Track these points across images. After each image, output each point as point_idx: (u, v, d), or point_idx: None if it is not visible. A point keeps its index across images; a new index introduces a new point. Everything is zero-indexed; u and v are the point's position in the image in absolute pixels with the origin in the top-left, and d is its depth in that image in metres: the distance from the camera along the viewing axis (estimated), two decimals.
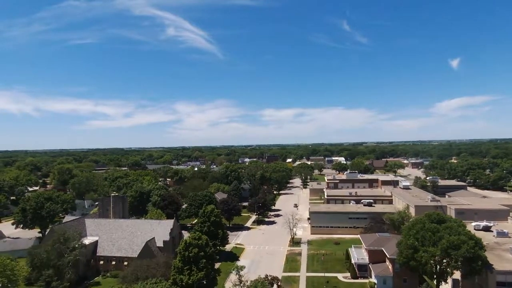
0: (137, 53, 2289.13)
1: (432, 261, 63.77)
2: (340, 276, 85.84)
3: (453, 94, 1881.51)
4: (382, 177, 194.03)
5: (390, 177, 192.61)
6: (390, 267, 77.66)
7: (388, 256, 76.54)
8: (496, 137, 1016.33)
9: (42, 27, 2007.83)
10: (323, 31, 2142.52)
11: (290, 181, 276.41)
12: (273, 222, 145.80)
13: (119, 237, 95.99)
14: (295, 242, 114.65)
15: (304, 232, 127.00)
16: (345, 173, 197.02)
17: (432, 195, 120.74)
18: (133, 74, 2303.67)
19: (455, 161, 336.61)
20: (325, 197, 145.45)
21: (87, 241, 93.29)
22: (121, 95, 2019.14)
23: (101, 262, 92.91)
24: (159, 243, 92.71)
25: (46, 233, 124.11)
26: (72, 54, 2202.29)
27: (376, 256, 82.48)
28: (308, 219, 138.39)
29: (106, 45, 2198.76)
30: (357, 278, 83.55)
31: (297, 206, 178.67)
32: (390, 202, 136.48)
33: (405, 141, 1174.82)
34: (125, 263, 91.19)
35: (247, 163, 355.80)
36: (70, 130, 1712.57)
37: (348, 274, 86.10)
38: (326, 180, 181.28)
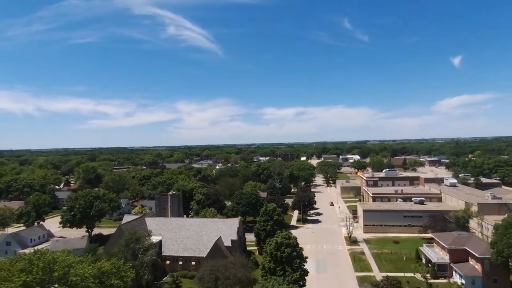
0: (138, 52, 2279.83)
1: None
2: (418, 276, 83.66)
3: (454, 92, 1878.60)
4: (422, 174, 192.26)
5: (432, 174, 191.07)
6: (478, 266, 75.68)
7: (477, 256, 74.45)
8: (499, 135, 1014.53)
9: (43, 27, 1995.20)
10: (324, 29, 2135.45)
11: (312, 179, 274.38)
12: (317, 221, 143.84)
13: (183, 236, 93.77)
14: (352, 241, 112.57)
15: (355, 230, 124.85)
16: (384, 171, 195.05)
17: (491, 192, 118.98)
18: (134, 73, 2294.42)
19: (473, 158, 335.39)
20: (370, 195, 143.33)
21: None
22: (122, 94, 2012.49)
23: (167, 262, 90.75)
24: (226, 243, 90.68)
25: (92, 232, 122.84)
26: (72, 53, 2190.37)
27: (458, 256, 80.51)
28: (354, 217, 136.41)
29: (106, 44, 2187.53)
30: (437, 278, 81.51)
31: (333, 204, 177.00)
32: (439, 200, 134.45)
33: (408, 139, 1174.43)
34: (193, 263, 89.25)
35: (262, 162, 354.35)
36: (71, 129, 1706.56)
37: (425, 274, 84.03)
38: (365, 178, 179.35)
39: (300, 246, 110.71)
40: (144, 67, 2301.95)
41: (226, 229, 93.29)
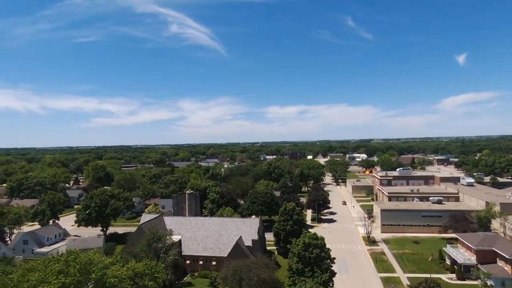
0: (141, 51, 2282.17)
1: None
2: (443, 277, 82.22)
3: (459, 90, 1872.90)
4: (437, 173, 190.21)
5: (447, 173, 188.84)
6: (507, 268, 74.07)
7: (507, 257, 72.81)
8: (504, 134, 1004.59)
9: (47, 25, 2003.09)
10: (327, 27, 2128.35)
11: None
12: (332, 220, 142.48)
13: (203, 235, 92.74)
14: (370, 241, 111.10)
15: (372, 230, 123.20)
16: (397, 170, 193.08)
17: None
18: (137, 71, 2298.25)
19: (483, 157, 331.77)
20: (386, 194, 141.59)
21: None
22: (125, 92, 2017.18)
23: (188, 262, 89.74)
24: (247, 242, 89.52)
25: (107, 231, 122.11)
26: (76, 52, 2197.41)
27: (485, 257, 78.92)
28: (370, 217, 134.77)
29: (109, 43, 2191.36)
30: (463, 279, 79.98)
31: (346, 203, 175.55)
32: (457, 199, 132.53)
33: (412, 138, 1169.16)
34: (213, 263, 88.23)
35: (268, 160, 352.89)
36: (75, 127, 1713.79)
37: (451, 275, 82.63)
38: (378, 177, 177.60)
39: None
40: (147, 65, 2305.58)
41: (246, 228, 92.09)
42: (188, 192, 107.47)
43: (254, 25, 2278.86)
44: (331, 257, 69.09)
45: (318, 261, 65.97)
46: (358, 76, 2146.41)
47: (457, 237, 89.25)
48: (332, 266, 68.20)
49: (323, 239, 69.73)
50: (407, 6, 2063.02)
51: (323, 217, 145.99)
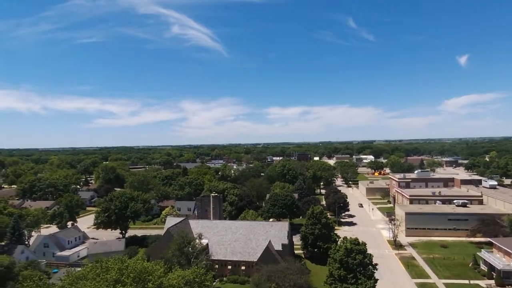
0: (143, 52, 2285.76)
1: None
2: (481, 283, 79.89)
3: (461, 92, 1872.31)
4: (456, 175, 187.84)
5: (466, 175, 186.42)
6: None
7: None
8: (508, 135, 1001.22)
9: (49, 26, 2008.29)
10: (329, 28, 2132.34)
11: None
12: (352, 223, 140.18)
13: (230, 239, 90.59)
14: (397, 245, 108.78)
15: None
16: (416, 172, 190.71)
17: None
18: (139, 72, 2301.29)
19: (495, 160, 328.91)
20: (407, 197, 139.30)
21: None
22: (127, 93, 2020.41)
23: (216, 266, 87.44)
24: (276, 247, 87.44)
25: (126, 234, 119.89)
26: (78, 53, 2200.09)
27: None
28: (390, 220, 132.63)
29: (112, 44, 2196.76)
30: (503, 286, 77.72)
31: (362, 206, 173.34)
32: (480, 202, 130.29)
33: (415, 139, 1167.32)
34: (243, 267, 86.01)
35: (274, 162, 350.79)
36: (77, 128, 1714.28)
37: (489, 281, 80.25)
38: (396, 179, 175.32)
39: None
40: (149, 66, 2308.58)
41: (275, 232, 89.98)
42: (212, 195, 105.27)
43: (256, 26, 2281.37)
44: (374, 263, 66.92)
45: (361, 268, 63.79)
46: (360, 77, 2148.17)
47: (492, 241, 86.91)
48: (374, 273, 66.05)
49: (365, 244, 67.61)
50: (409, 6, 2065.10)
51: (343, 220, 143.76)
